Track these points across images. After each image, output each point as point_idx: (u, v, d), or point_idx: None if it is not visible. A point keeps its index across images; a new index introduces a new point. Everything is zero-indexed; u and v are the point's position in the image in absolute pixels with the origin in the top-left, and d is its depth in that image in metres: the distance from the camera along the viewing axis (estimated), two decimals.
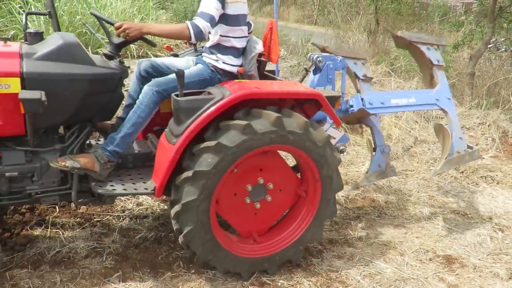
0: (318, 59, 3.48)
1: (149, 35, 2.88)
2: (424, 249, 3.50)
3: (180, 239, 2.69)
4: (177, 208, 2.59)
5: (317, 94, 2.78)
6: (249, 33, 3.17)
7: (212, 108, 2.53)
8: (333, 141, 3.25)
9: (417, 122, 6.25)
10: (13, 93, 2.36)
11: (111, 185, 2.75)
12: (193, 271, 2.97)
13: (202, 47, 3.26)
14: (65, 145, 2.72)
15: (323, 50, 4.01)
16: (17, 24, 7.14)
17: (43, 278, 2.74)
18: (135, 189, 2.75)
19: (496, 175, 5.11)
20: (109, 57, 2.83)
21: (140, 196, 3.80)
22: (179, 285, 2.83)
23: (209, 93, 2.71)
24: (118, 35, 2.73)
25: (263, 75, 3.31)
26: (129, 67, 2.92)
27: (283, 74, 9.07)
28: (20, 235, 3.13)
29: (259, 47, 3.05)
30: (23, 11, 7.42)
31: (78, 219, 3.46)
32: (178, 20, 12.48)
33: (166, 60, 3.19)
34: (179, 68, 2.59)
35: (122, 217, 3.58)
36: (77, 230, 3.33)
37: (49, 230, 3.26)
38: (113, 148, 2.77)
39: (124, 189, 2.74)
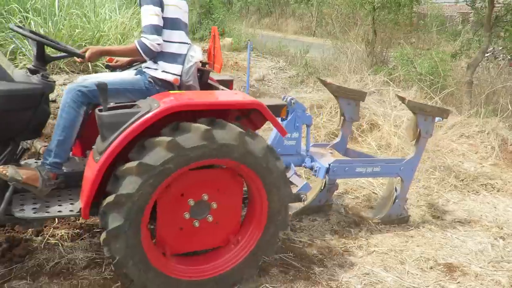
0: (292, 100, 3.49)
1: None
2: (425, 257, 3.48)
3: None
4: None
5: (256, 103, 2.60)
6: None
7: (137, 123, 2.33)
8: (294, 189, 3.08)
9: None
10: None
11: (34, 208, 2.56)
12: None
13: None
14: None
15: (326, 84, 4.16)
16: (17, 39, 7.21)
17: None
18: (59, 211, 2.56)
19: (496, 183, 5.11)
20: (32, 71, 2.68)
21: None
22: None
23: (137, 106, 2.52)
24: (84, 63, 2.73)
25: (207, 85, 3.12)
26: (54, 81, 2.78)
27: (282, 85, 9.15)
28: (19, 247, 3.11)
29: (197, 56, 2.86)
30: (23, 25, 7.51)
31: (77, 230, 3.45)
32: None
33: (102, 76, 2.93)
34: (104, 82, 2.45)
35: None
36: (76, 241, 3.31)
37: (48, 241, 3.25)
38: (52, 160, 2.62)
39: (47, 212, 2.54)
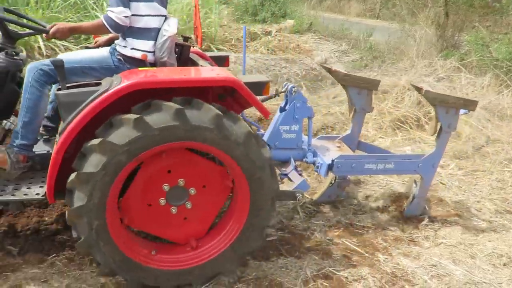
0: (293, 88, 3.20)
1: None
2: (498, 253, 3.30)
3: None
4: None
5: (230, 80, 2.35)
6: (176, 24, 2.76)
7: (95, 102, 2.18)
8: (291, 185, 2.91)
9: (489, 120, 5.89)
10: None
11: (1, 191, 2.51)
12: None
13: None
14: None
15: (331, 72, 3.78)
16: (90, 19, 7.56)
17: None
18: (25, 194, 2.50)
19: None
20: (1, 49, 2.61)
21: None
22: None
23: (97, 84, 2.37)
24: (49, 39, 2.64)
25: (188, 61, 2.91)
26: (22, 59, 2.71)
27: (345, 69, 8.93)
28: None
29: (171, 29, 2.63)
30: (97, 6, 7.85)
31: None
32: (239, 15, 12.60)
33: (71, 54, 2.83)
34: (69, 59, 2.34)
35: None
36: None
37: None
38: (19, 142, 2.54)
39: (13, 195, 2.48)
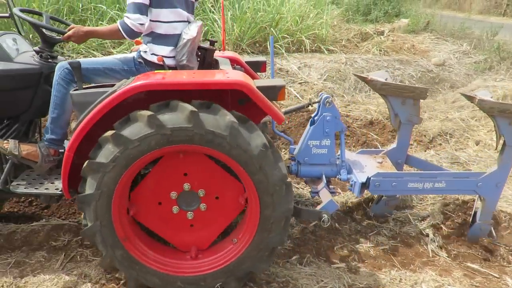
0: (327, 99, 2.96)
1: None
2: None
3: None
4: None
5: (238, 83, 2.23)
6: (200, 27, 2.74)
7: (104, 102, 2.23)
8: (318, 206, 2.73)
9: None
10: None
11: (29, 183, 2.68)
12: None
13: None
14: None
15: (367, 81, 3.39)
16: (208, 21, 8.01)
17: None
18: (46, 188, 2.63)
19: None
20: (38, 53, 2.83)
21: None
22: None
23: (113, 85, 2.42)
24: (66, 41, 2.71)
25: (211, 64, 2.82)
26: (56, 63, 2.79)
27: (466, 71, 8.24)
28: None
29: (191, 33, 2.60)
30: (214, 9, 8.30)
31: None
32: (350, 15, 12.34)
33: (98, 58, 2.79)
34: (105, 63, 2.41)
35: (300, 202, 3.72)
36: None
37: None
38: (49, 136, 2.69)
39: (36, 188, 2.63)
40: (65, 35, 2.66)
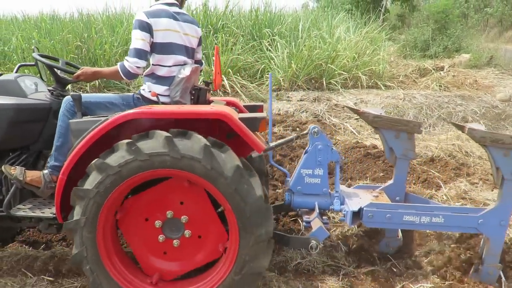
0: (314, 129, 2.96)
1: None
2: None
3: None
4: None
5: (220, 114, 2.36)
6: (195, 69, 2.95)
7: (93, 131, 2.41)
8: (307, 233, 2.69)
9: None
10: None
11: (28, 207, 2.85)
12: None
13: None
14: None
15: (359, 114, 3.26)
16: (265, 60, 8.27)
17: (288, 284, 3.00)
18: (42, 212, 2.79)
19: None
20: (51, 92, 3.16)
21: None
22: None
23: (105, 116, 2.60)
24: (75, 80, 3.04)
25: (205, 103, 2.99)
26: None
27: None
28: None
29: (185, 72, 2.84)
30: (271, 48, 8.57)
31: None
32: (407, 51, 12.23)
33: (103, 94, 3.05)
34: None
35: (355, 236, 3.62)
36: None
37: None
38: (52, 163, 2.84)
39: (33, 212, 2.79)
40: (75, 74, 3.01)
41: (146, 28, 2.78)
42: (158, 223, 2.58)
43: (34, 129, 3.09)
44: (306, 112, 6.90)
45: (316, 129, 2.99)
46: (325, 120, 6.70)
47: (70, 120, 2.71)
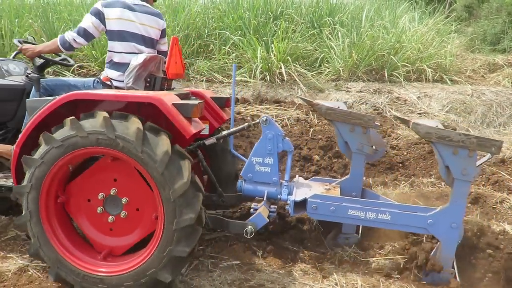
0: (263, 119, 2.98)
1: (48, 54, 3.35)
2: None
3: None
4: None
5: (152, 98, 2.50)
6: (151, 58, 3.08)
7: (42, 109, 2.61)
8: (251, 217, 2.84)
9: None
10: None
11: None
12: None
13: None
14: None
15: (312, 105, 3.22)
16: (325, 48, 8.08)
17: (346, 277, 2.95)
18: (5, 181, 3.08)
19: None
20: (27, 75, 3.39)
21: None
22: None
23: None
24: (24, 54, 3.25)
25: (162, 89, 3.18)
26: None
27: None
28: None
29: (138, 60, 3.00)
30: (332, 36, 8.36)
31: None
32: (476, 44, 11.52)
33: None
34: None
35: None
36: None
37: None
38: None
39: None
40: (22, 48, 3.26)
41: (98, 15, 3.08)
42: (99, 202, 2.75)
43: (9, 108, 3.41)
44: (366, 104, 6.69)
45: (265, 117, 3.02)
46: (386, 113, 6.47)
47: (27, 99, 2.90)
